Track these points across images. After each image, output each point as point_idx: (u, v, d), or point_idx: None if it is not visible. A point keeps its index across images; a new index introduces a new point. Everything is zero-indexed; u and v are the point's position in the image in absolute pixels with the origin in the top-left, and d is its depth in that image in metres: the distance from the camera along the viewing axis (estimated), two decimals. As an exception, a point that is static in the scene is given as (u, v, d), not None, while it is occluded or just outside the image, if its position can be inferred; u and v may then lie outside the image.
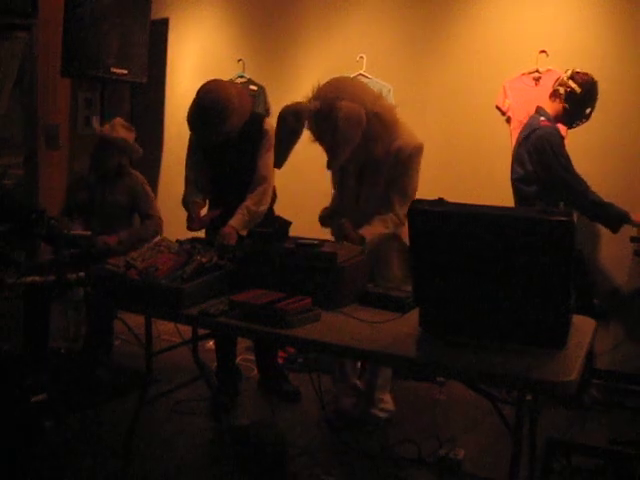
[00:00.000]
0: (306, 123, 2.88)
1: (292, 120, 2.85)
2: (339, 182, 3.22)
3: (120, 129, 4.01)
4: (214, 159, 3.47)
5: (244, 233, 3.36)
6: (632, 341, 3.88)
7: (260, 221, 3.43)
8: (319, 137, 2.92)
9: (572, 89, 3.42)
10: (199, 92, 3.33)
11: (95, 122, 4.08)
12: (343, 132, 2.79)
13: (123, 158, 4.05)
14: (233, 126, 3.32)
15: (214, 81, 3.40)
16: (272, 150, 3.09)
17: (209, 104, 3.25)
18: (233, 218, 3.38)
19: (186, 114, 3.40)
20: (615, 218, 3.43)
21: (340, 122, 2.77)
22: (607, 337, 3.85)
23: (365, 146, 2.89)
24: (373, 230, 2.97)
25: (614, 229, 3.45)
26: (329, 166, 2.97)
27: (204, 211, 3.58)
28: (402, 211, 2.93)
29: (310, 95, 2.92)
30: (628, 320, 3.91)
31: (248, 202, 3.44)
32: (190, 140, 3.58)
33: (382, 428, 3.31)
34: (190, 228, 3.44)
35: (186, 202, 3.51)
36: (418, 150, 3.00)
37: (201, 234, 3.47)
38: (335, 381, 3.47)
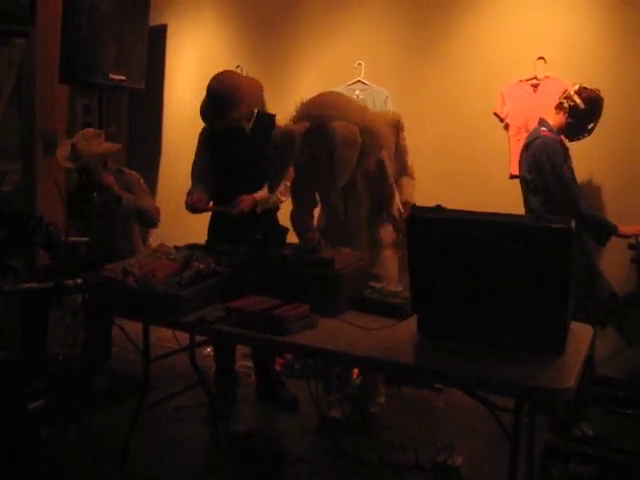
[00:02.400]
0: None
1: (282, 146, 2.83)
2: (323, 201, 3.22)
3: (86, 146, 3.80)
4: (226, 155, 3.51)
5: (259, 210, 3.45)
6: (631, 348, 3.87)
7: (257, 228, 3.42)
8: (314, 159, 2.86)
9: (576, 104, 3.42)
10: (211, 80, 3.44)
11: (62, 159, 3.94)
12: (342, 157, 2.74)
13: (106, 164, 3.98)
14: (242, 112, 3.41)
15: (224, 71, 3.52)
16: None
17: (219, 87, 3.37)
18: (259, 192, 3.45)
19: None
20: (603, 232, 3.44)
21: (338, 146, 2.71)
22: (606, 344, 3.85)
23: (358, 161, 2.83)
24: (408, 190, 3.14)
25: (601, 242, 3.49)
26: (330, 189, 2.97)
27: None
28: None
29: (294, 114, 2.88)
30: (627, 327, 3.91)
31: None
32: (200, 139, 3.62)
33: (376, 430, 3.29)
34: (189, 206, 3.43)
35: (190, 193, 3.50)
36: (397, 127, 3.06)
37: (200, 239, 3.46)
38: (327, 391, 3.44)
